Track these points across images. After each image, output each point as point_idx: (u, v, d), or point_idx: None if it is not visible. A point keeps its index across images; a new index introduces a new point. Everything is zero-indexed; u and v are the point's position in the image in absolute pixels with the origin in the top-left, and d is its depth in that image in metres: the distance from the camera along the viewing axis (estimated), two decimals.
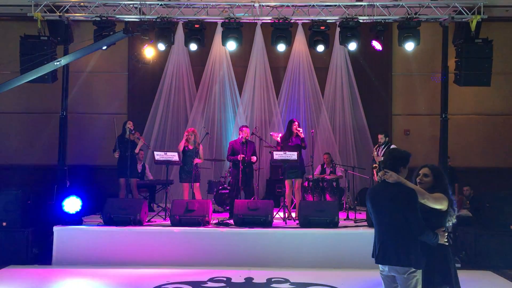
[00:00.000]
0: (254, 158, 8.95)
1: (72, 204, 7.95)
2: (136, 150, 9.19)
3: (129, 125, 9.05)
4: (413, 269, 3.72)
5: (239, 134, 9.14)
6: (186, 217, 7.86)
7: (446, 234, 3.92)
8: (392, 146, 9.15)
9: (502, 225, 7.80)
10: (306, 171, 9.38)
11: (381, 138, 9.22)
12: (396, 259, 3.76)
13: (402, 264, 3.73)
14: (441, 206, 3.87)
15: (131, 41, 10.58)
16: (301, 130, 8.84)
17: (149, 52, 8.67)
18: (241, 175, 8.76)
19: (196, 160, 8.95)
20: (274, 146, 9.61)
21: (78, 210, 7.99)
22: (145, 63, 8.83)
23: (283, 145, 8.84)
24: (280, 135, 9.13)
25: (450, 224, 4.02)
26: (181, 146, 9.02)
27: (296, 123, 8.89)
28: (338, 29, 9.14)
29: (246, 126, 9.35)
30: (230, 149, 9.14)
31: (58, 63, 7.86)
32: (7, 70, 9.63)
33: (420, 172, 4.05)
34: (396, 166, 3.88)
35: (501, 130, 11.38)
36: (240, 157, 8.77)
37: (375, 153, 9.13)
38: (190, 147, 8.98)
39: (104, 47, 8.64)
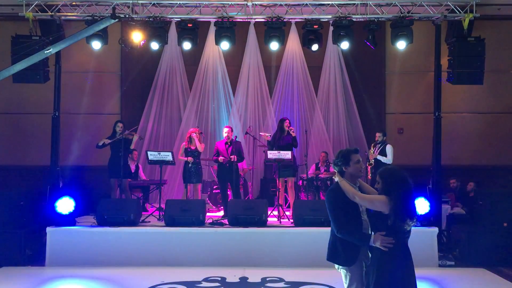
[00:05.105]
0: (233, 158, 8.89)
1: (65, 205, 7.91)
2: (132, 146, 9.13)
3: (120, 126, 9.01)
4: (340, 266, 3.96)
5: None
6: (181, 217, 7.84)
7: (390, 239, 3.61)
8: (388, 145, 9.20)
9: (495, 222, 7.84)
10: (300, 170, 9.37)
11: (378, 136, 9.28)
12: (328, 254, 4.04)
13: (331, 259, 4.02)
14: (376, 208, 3.71)
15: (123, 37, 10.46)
16: (293, 128, 8.81)
17: (136, 36, 8.60)
18: (223, 175, 8.91)
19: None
20: (267, 146, 9.59)
21: (71, 210, 7.95)
22: (133, 47, 8.77)
23: (275, 145, 8.81)
24: (269, 134, 9.09)
25: (408, 229, 3.67)
26: (181, 149, 9.01)
27: (288, 121, 8.86)
28: (331, 28, 9.15)
29: (227, 126, 9.35)
30: (215, 150, 9.21)
31: (48, 51, 7.80)
32: None
33: None
34: (340, 166, 3.96)
35: (493, 128, 11.40)
36: (220, 159, 8.87)
37: (372, 150, 9.18)
38: (192, 147, 8.95)
39: (98, 47, 8.64)
